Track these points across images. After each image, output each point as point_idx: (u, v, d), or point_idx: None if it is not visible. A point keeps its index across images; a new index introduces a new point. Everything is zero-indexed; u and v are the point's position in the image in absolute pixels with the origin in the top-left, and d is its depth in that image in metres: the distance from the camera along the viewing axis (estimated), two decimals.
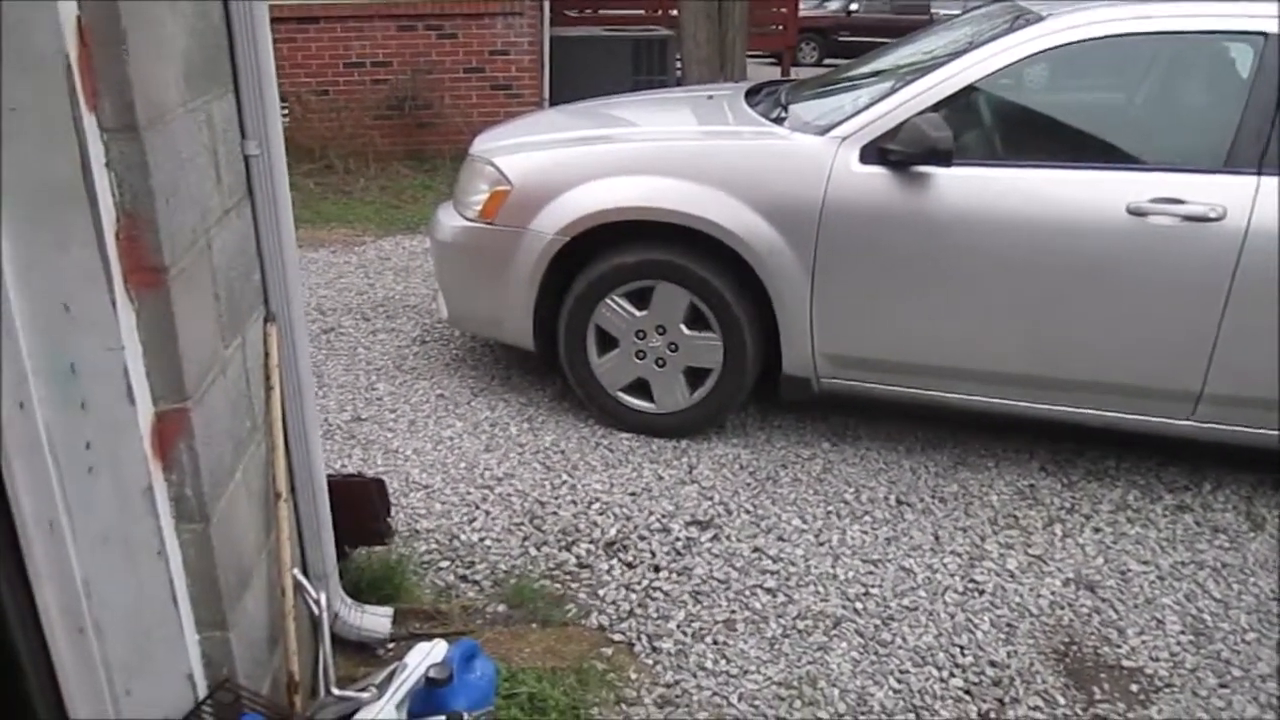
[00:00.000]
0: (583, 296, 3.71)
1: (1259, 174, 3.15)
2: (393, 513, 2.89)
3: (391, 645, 2.64)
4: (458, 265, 4.00)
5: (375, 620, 2.58)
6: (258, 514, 2.08)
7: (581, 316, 3.73)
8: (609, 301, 3.69)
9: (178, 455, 1.73)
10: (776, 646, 2.77)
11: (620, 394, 3.82)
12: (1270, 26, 3.18)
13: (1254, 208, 3.13)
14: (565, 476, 3.56)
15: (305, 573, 2.44)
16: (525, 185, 3.74)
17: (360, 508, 2.69)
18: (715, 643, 2.77)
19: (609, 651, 2.72)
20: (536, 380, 4.25)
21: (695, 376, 3.74)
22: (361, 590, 2.79)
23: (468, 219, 3.89)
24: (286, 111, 8.81)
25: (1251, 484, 3.66)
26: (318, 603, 2.28)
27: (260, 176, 2.06)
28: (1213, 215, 3.17)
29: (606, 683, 2.59)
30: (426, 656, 2.31)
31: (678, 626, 2.83)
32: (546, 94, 9.15)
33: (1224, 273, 3.19)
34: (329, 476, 2.53)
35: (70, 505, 1.65)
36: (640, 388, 3.80)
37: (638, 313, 3.69)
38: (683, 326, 3.67)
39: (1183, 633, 2.88)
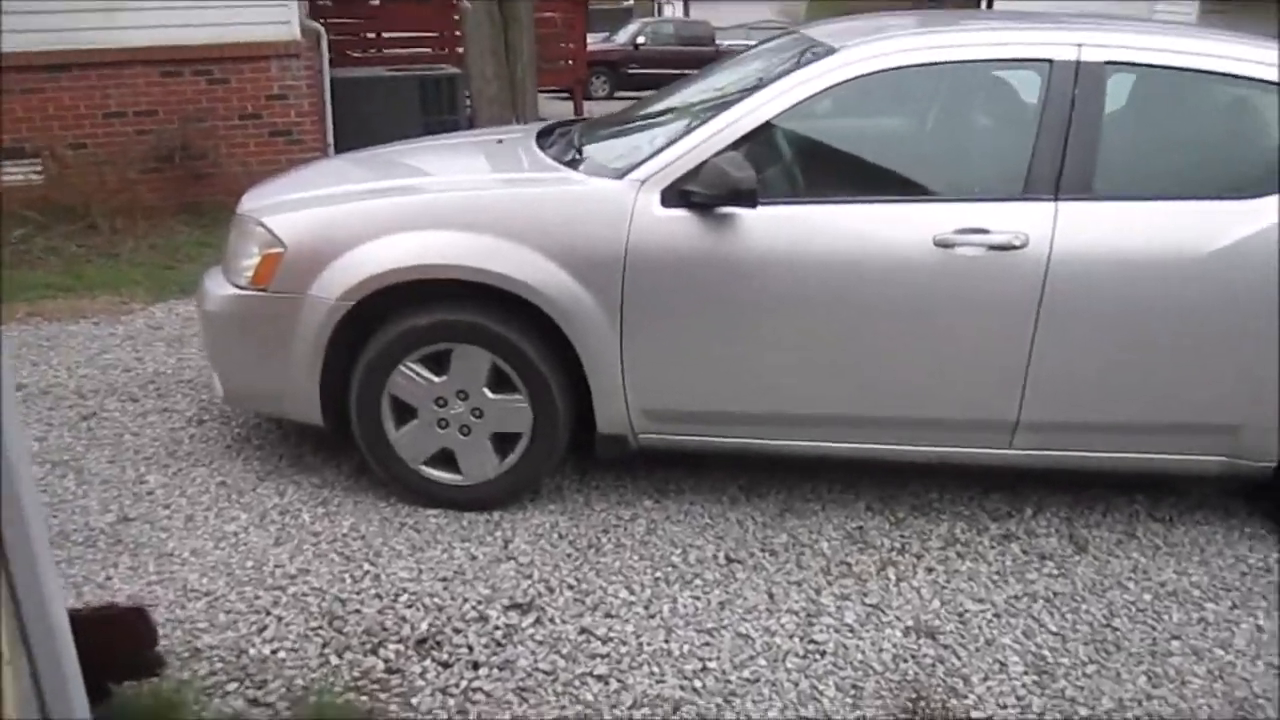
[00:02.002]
0: (374, 365, 3.38)
1: (1056, 199, 3.15)
2: (160, 638, 2.48)
3: None
4: (231, 338, 3.59)
5: None
6: None
7: (374, 386, 3.41)
8: (403, 369, 3.38)
9: None
10: None
11: (423, 467, 3.50)
12: (1055, 54, 3.19)
13: (1054, 233, 3.12)
14: (367, 566, 3.21)
15: None
16: (300, 247, 3.39)
17: (118, 642, 2.28)
18: None
19: None
20: (330, 457, 3.88)
21: (504, 442, 3.47)
22: None
23: (239, 286, 3.50)
24: (40, 168, 8.04)
25: (1069, 505, 3.67)
26: None
27: None
28: (1016, 243, 3.14)
29: None
30: None
31: None
32: (330, 139, 8.71)
33: (1031, 299, 3.16)
34: (73, 613, 2.13)
35: None
36: (445, 459, 3.50)
37: (436, 378, 3.39)
38: (486, 390, 3.39)
39: (1025, 672, 2.80)
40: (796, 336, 3.27)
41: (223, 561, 3.22)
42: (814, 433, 3.45)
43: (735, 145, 3.23)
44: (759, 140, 3.28)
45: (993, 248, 3.16)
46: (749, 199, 3.10)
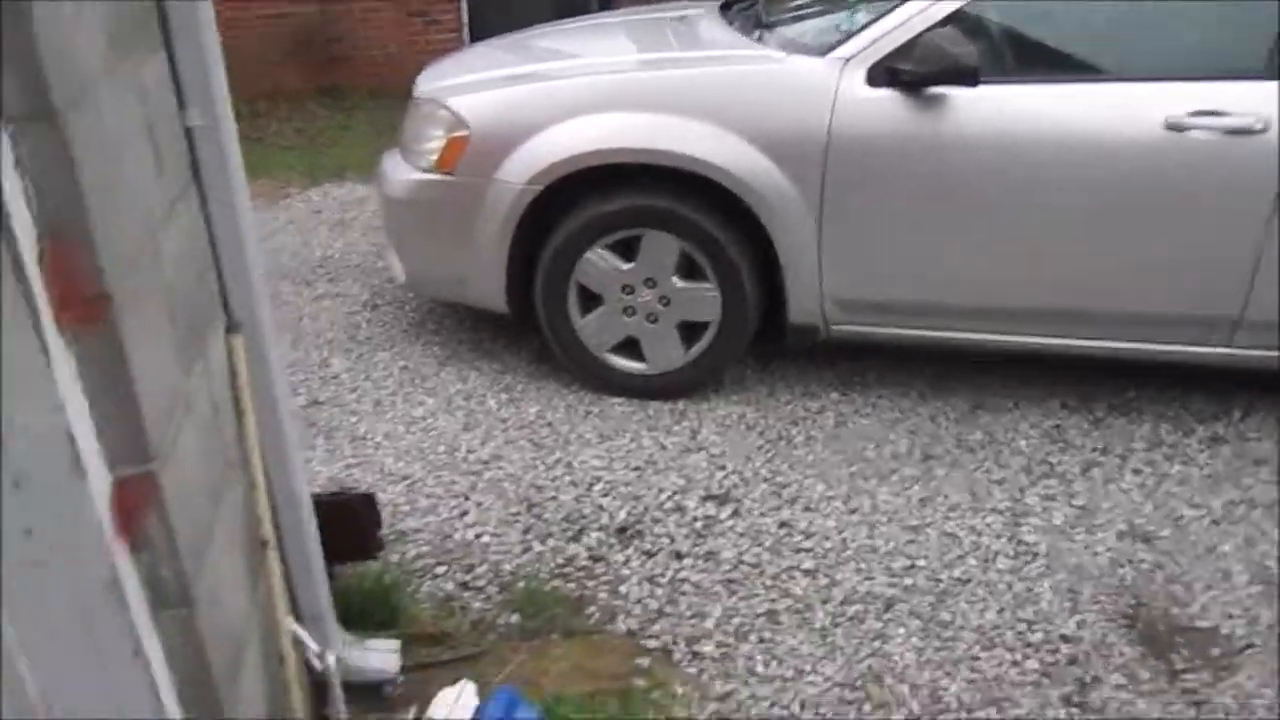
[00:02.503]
0: (561, 251, 3.32)
1: None
2: (382, 528, 2.51)
3: (401, 681, 2.28)
4: (413, 223, 3.56)
5: (382, 658, 2.22)
6: (243, 571, 1.70)
7: (561, 273, 3.35)
8: (591, 255, 3.31)
9: (147, 531, 1.34)
10: (829, 639, 2.48)
11: (608, 355, 3.46)
12: None
13: None
14: (558, 454, 3.20)
15: (296, 616, 2.07)
16: (486, 130, 3.31)
17: (347, 526, 2.31)
18: (761, 641, 2.47)
19: (646, 663, 2.40)
20: (510, 343, 3.86)
21: (690, 331, 3.39)
22: (354, 617, 2.42)
23: (422, 170, 3.45)
24: None
25: None
26: (320, 656, 1.91)
27: (208, 154, 1.64)
28: (1256, 127, 2.88)
29: (652, 703, 2.28)
30: (455, 705, 1.97)
31: (716, 625, 2.52)
32: (465, 19, 8.55)
33: (1268, 188, 2.91)
34: (312, 497, 2.15)
35: (14, 610, 1.26)
36: (630, 347, 3.44)
37: (624, 265, 3.32)
38: (675, 278, 3.31)
39: (1251, 583, 2.66)
40: (1006, 225, 3.09)
41: (415, 446, 3.25)
42: (1015, 327, 3.29)
43: (948, 20, 3.01)
44: (973, 16, 3.06)
45: (1229, 131, 2.91)
46: (970, 77, 2.90)
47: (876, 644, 2.46)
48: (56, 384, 1.16)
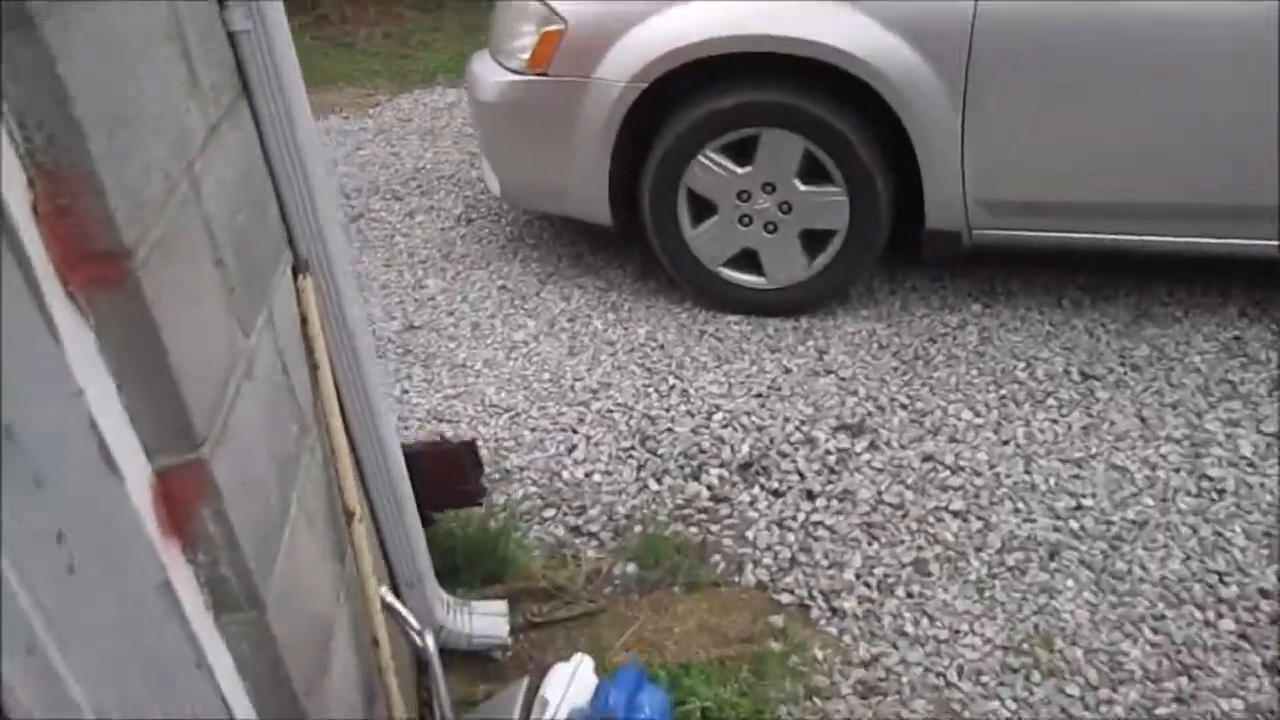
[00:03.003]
0: (669, 155, 3.00)
1: None
2: (486, 470, 2.28)
3: (512, 644, 2.08)
4: (506, 129, 3.27)
5: (489, 622, 2.01)
6: (327, 548, 1.48)
7: (669, 179, 3.03)
8: (703, 158, 2.98)
9: (201, 526, 1.12)
10: (987, 592, 2.19)
11: (723, 269, 3.15)
12: None
13: None
14: (672, 380, 2.93)
15: (391, 584, 1.86)
16: (583, 22, 2.97)
17: (448, 476, 2.09)
18: (910, 595, 2.20)
19: (779, 621, 2.15)
20: (613, 257, 3.58)
21: (814, 240, 3.06)
22: (458, 569, 2.23)
23: (513, 71, 3.14)
24: None
25: None
26: (420, 634, 1.70)
27: (257, 61, 1.36)
28: None
29: (789, 670, 2.03)
30: (570, 683, 1.75)
31: (857, 576, 2.25)
32: None
33: None
34: (406, 449, 1.92)
35: (53, 621, 1.04)
36: (747, 260, 3.13)
37: (739, 169, 2.98)
38: (797, 181, 2.96)
39: None
40: (1179, 108, 2.66)
41: (518, 373, 3.01)
42: (1185, 227, 2.88)
43: None
44: None
45: None
46: None
47: (1042, 599, 2.16)
48: (70, 366, 0.93)
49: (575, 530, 2.45)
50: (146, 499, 1.07)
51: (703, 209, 3.08)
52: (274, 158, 1.42)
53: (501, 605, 2.06)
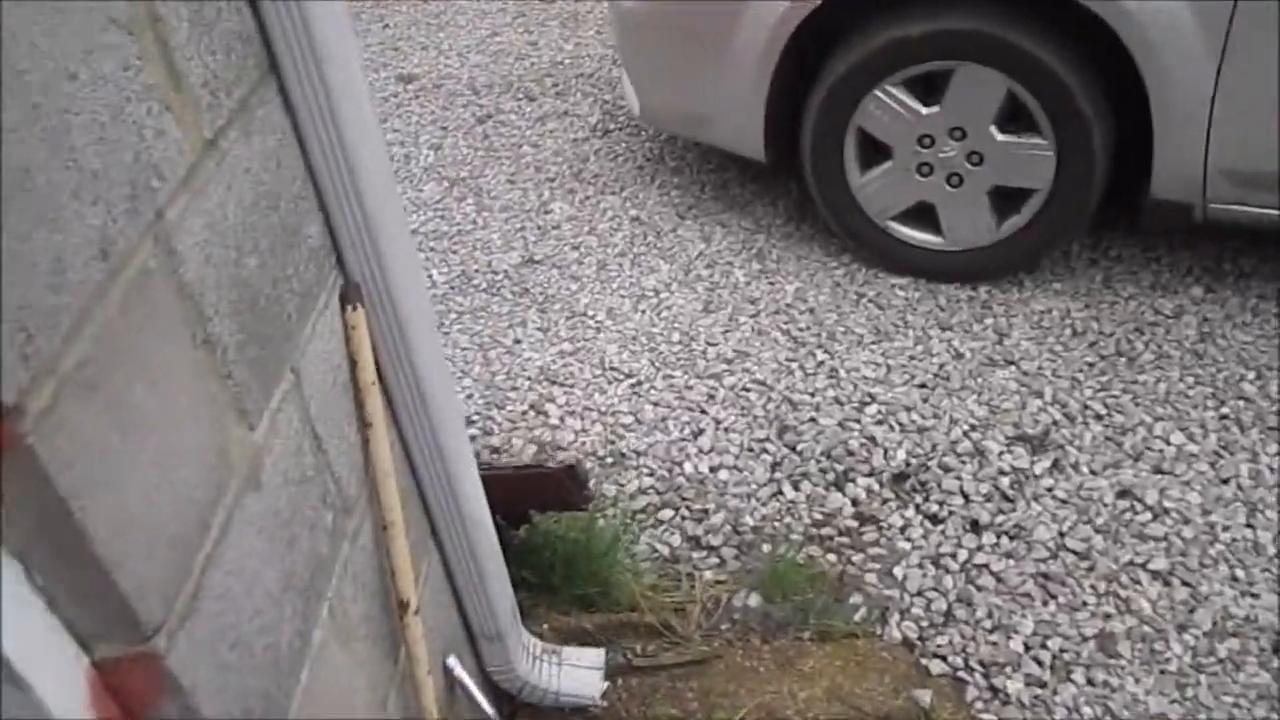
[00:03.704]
0: (840, 87, 2.52)
1: None
2: (590, 489, 1.94)
3: (605, 695, 1.77)
4: (651, 44, 2.83)
5: (580, 679, 1.71)
6: (371, 653, 1.18)
7: (838, 116, 2.56)
8: (880, 94, 2.49)
9: None
10: (1190, 690, 1.77)
11: (892, 223, 2.68)
12: None
13: None
14: (820, 355, 2.53)
15: (467, 633, 1.57)
16: None
17: (547, 499, 1.77)
18: (1090, 683, 1.80)
19: (926, 699, 1.78)
20: (763, 191, 3.13)
21: (1006, 200, 2.56)
22: (554, 587, 1.93)
23: None
24: None
25: None
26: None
27: (289, 23, 0.99)
28: None
29: None
30: None
31: (1026, 647, 1.86)
32: None
33: None
34: (498, 473, 1.60)
35: None
36: (922, 215, 2.65)
37: (924, 109, 2.49)
38: (994, 129, 2.45)
39: None
40: None
41: (644, 330, 2.65)
42: None
43: None
44: None
45: None
46: None
47: (1260, 709, 1.73)
48: None
49: (694, 541, 2.11)
50: (79, 701, 0.76)
51: (875, 152, 2.60)
52: (314, 156, 1.06)
53: (598, 656, 1.75)
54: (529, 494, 1.70)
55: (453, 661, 1.42)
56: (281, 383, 0.98)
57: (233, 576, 0.87)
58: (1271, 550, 1.98)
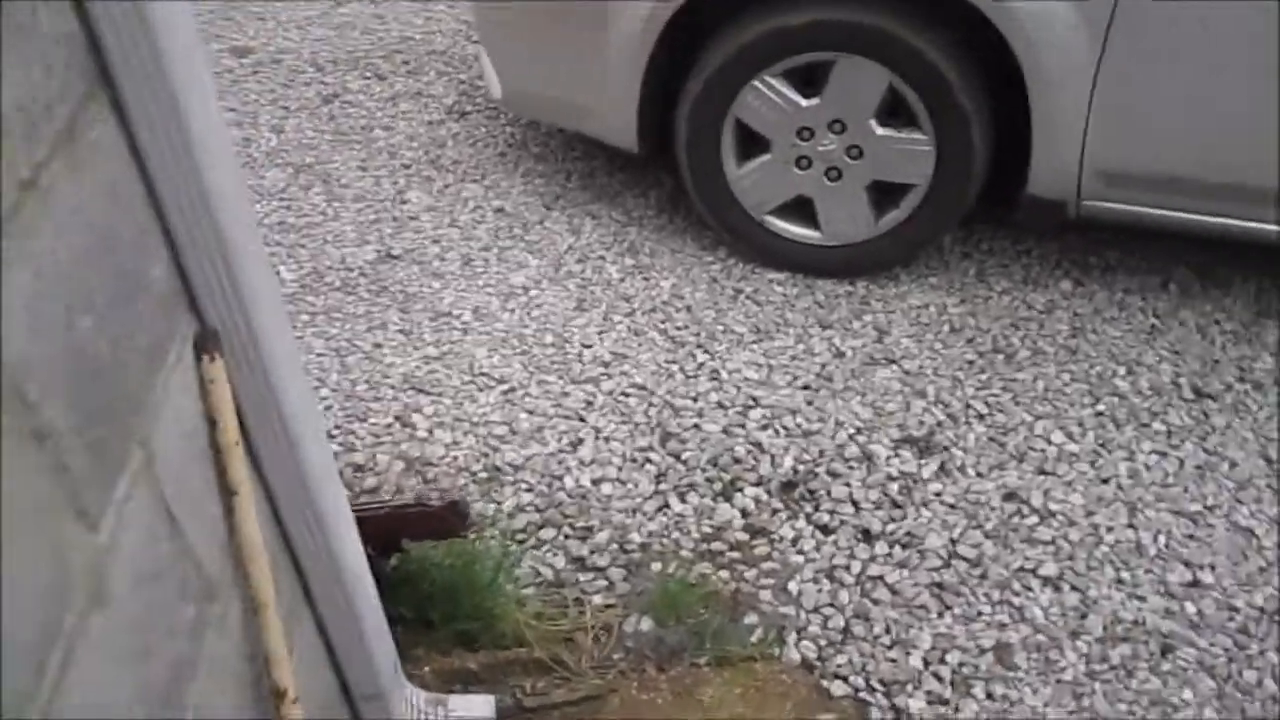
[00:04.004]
0: (718, 76, 2.42)
1: None
2: (470, 522, 1.80)
3: None
4: (514, 25, 2.66)
5: None
6: None
7: (715, 106, 2.46)
8: (759, 85, 2.41)
9: None
10: (1085, 700, 1.76)
11: (769, 217, 2.61)
12: None
13: None
14: (700, 355, 2.44)
15: (345, 693, 1.40)
16: None
17: (426, 528, 1.61)
18: (990, 697, 1.77)
19: None
20: (633, 181, 3.01)
21: (885, 194, 2.52)
22: (430, 623, 1.78)
23: None
24: None
25: None
26: None
27: (120, 27, 0.81)
28: None
29: None
30: None
31: (925, 663, 1.82)
32: None
33: None
34: (375, 514, 1.44)
35: None
36: (798, 209, 2.59)
37: (804, 101, 2.41)
38: (874, 123, 2.40)
39: None
40: None
41: (515, 331, 2.50)
42: None
43: None
44: None
45: None
46: None
47: (1154, 714, 1.74)
48: None
49: (579, 562, 1.99)
50: None
51: (753, 145, 2.52)
52: (159, 182, 0.88)
53: (486, 704, 1.61)
54: (406, 529, 1.55)
55: None
56: (129, 464, 0.81)
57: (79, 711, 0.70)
58: (1153, 551, 2.00)
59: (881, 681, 1.79)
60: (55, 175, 0.72)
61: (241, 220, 0.96)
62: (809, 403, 2.31)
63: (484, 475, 2.15)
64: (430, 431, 2.24)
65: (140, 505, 0.82)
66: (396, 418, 2.27)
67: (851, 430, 2.24)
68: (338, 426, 2.23)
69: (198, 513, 0.93)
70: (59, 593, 0.69)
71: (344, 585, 1.24)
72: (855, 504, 2.09)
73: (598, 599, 1.92)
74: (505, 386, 2.35)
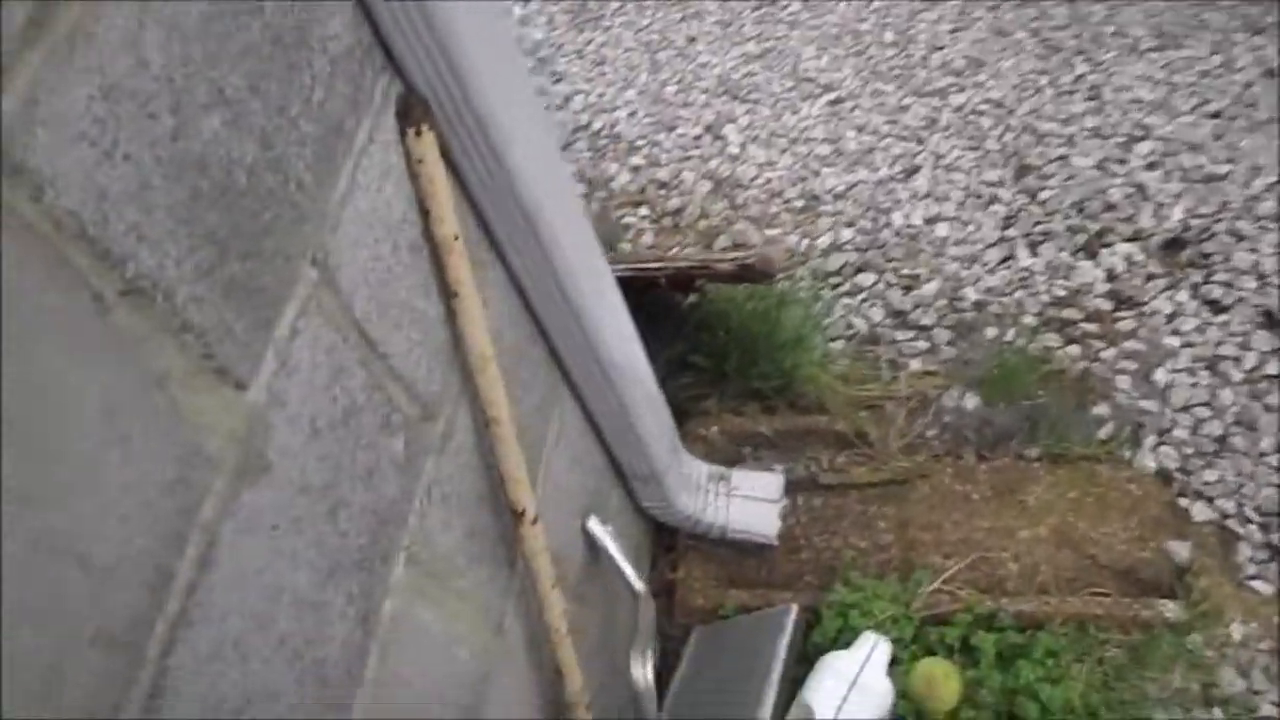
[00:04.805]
0: None
1: None
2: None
3: (783, 523, 1.49)
4: None
5: (754, 512, 1.42)
6: (471, 582, 0.90)
7: None
8: None
9: None
10: None
11: None
12: None
13: None
14: (1080, 66, 1.97)
15: (616, 470, 1.27)
16: None
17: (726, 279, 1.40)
18: None
19: (1184, 551, 1.42)
20: None
21: None
22: (725, 374, 1.61)
23: None
24: None
25: None
26: (635, 595, 1.14)
27: None
28: None
29: (1186, 658, 1.34)
30: (853, 686, 1.18)
31: None
32: None
33: None
34: (653, 272, 1.25)
35: None
36: None
37: None
38: None
39: None
40: None
41: (848, 28, 2.12)
42: None
43: None
44: None
45: None
46: None
47: None
48: None
49: (899, 317, 1.73)
50: None
51: None
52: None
53: (775, 484, 1.45)
54: (703, 277, 1.35)
55: (594, 524, 1.15)
56: (295, 291, 0.63)
57: (233, 593, 0.57)
58: None
59: (1259, 510, 1.45)
60: None
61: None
62: (1217, 137, 1.81)
63: (799, 203, 1.88)
64: (743, 146, 1.98)
65: (313, 338, 0.65)
66: (707, 128, 2.02)
67: (1272, 178, 1.75)
68: (642, 138, 2.02)
69: (405, 324, 0.76)
70: (182, 485, 0.54)
71: (610, 377, 1.07)
72: (1261, 277, 1.65)
73: (915, 364, 1.67)
74: (832, 95, 2.02)
